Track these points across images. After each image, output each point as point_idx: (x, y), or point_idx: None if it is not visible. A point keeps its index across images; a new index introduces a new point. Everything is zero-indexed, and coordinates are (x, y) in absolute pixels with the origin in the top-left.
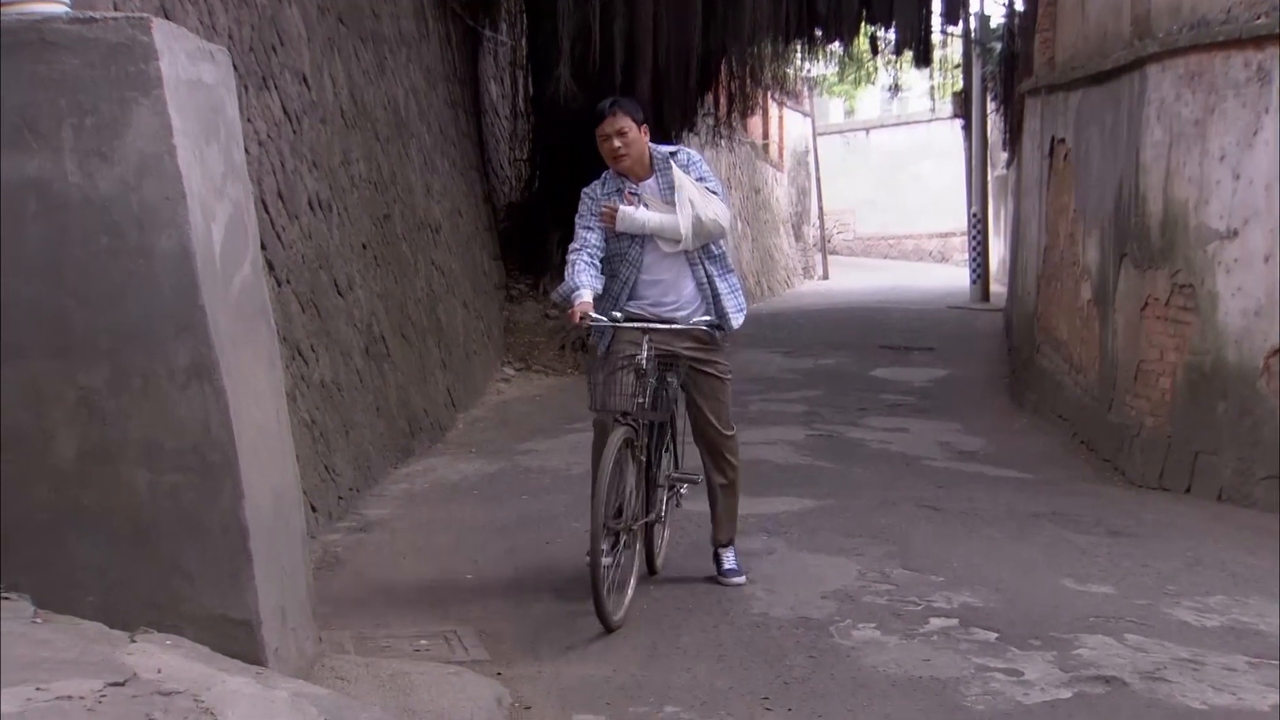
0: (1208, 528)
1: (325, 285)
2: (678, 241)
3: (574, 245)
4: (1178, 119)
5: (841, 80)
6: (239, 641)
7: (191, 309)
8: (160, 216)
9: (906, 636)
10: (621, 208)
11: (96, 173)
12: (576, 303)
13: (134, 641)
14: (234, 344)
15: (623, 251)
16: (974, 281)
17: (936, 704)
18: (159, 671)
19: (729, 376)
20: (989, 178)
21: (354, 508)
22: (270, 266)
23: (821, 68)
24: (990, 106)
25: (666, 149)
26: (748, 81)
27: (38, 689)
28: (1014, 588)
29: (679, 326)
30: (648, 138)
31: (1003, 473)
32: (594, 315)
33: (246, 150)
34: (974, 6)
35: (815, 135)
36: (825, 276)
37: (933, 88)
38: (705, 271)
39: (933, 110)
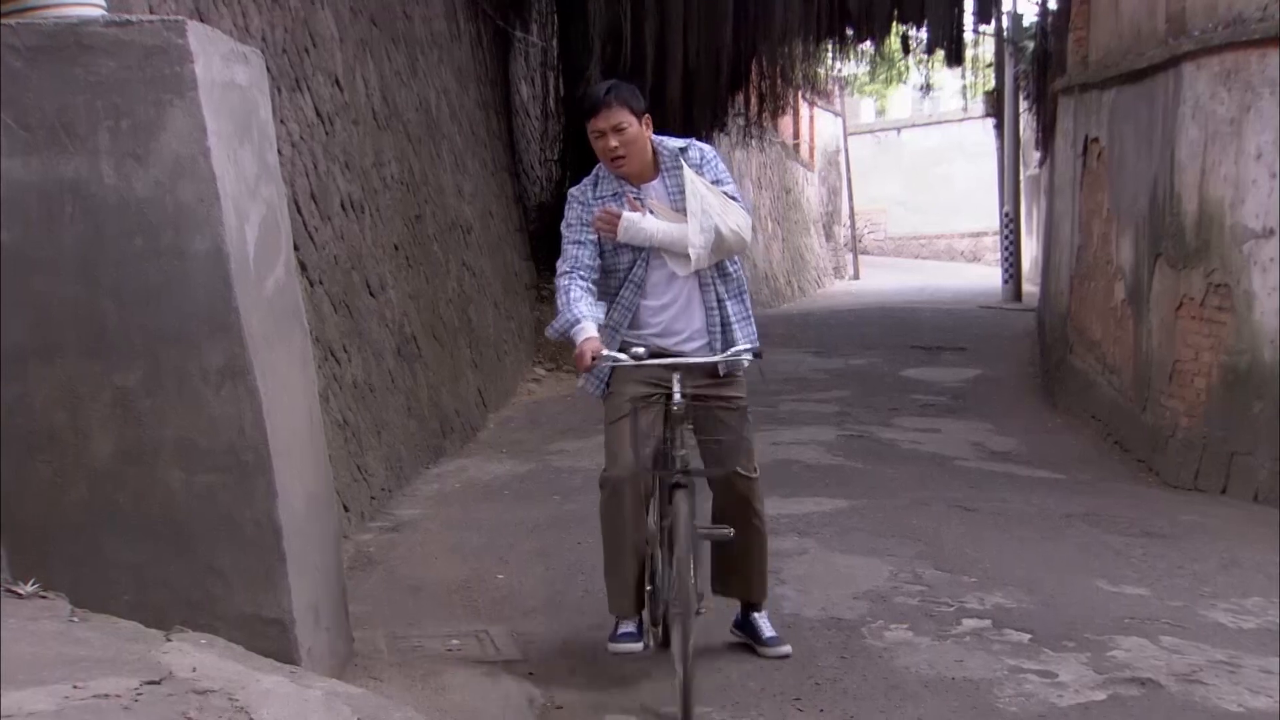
0: (1244, 529)
1: (357, 286)
2: (688, 259)
3: (563, 265)
4: (1213, 117)
5: (873, 80)
6: (273, 641)
7: (225, 310)
8: (195, 218)
9: (939, 637)
10: (626, 214)
11: (132, 174)
12: (581, 340)
13: (169, 640)
14: (267, 344)
15: (622, 269)
16: (1006, 281)
17: (969, 705)
18: (194, 670)
19: (748, 409)
20: (1021, 177)
21: (386, 508)
22: (303, 267)
23: (853, 67)
24: (1023, 105)
25: (675, 143)
26: (778, 81)
27: (75, 687)
28: (1047, 589)
29: (712, 358)
30: (650, 131)
31: (1036, 473)
32: (608, 354)
33: (279, 152)
34: (1006, 5)
35: (846, 135)
36: (856, 276)
37: (965, 87)
38: (717, 295)
39: (965, 109)
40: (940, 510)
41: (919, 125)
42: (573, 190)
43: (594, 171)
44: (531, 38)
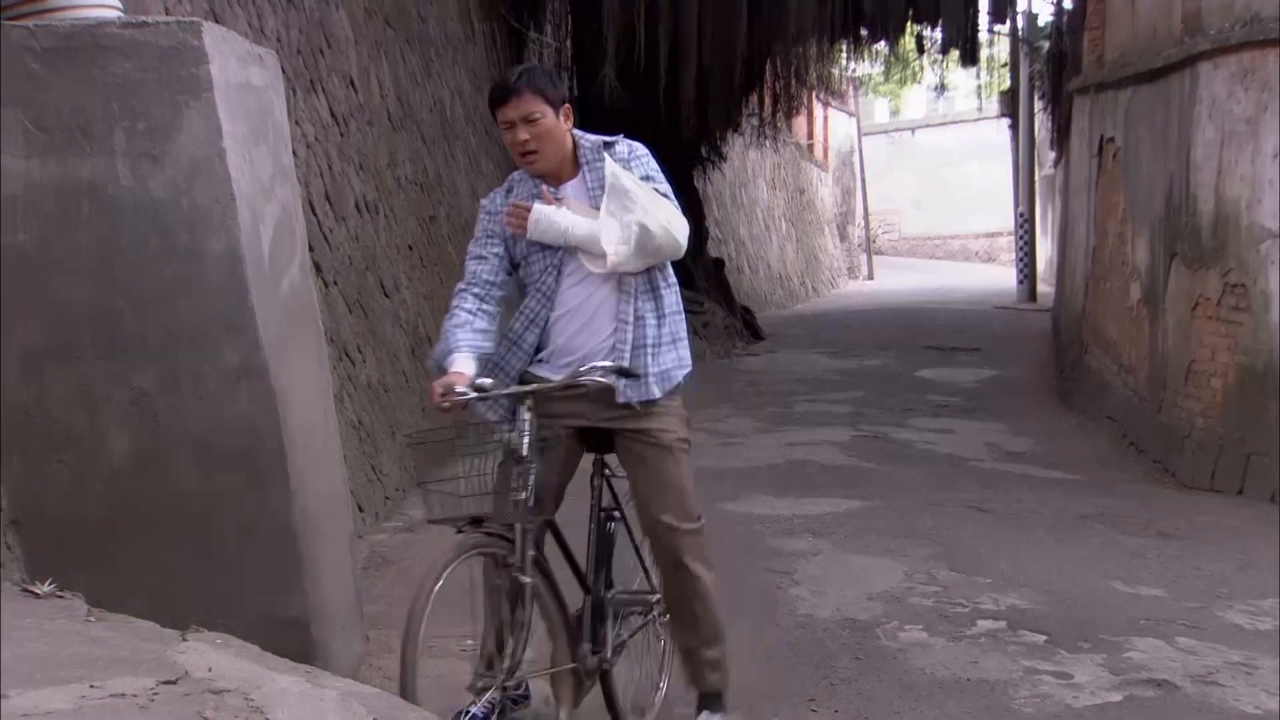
0: (1260, 529)
1: (372, 286)
2: (605, 258)
3: (459, 284)
4: (1229, 117)
5: (887, 80)
6: (288, 640)
7: (241, 310)
8: (210, 219)
9: (954, 638)
10: (537, 206)
11: (148, 176)
12: (444, 375)
13: (185, 640)
14: (283, 345)
15: (534, 277)
16: (1021, 282)
17: (984, 707)
18: (210, 670)
19: (680, 445)
20: (1036, 177)
21: (400, 508)
22: (318, 268)
23: (867, 67)
24: (1038, 105)
25: (597, 138)
26: (792, 81)
27: (92, 686)
28: (1063, 590)
29: (557, 381)
30: (571, 125)
31: (1051, 474)
32: (460, 390)
33: (294, 153)
34: (1021, 5)
35: (860, 135)
36: (870, 277)
37: (979, 87)
38: (636, 309)
39: (979, 109)
40: (955, 511)
41: (933, 125)
42: (482, 200)
43: (508, 179)
44: (545, 38)
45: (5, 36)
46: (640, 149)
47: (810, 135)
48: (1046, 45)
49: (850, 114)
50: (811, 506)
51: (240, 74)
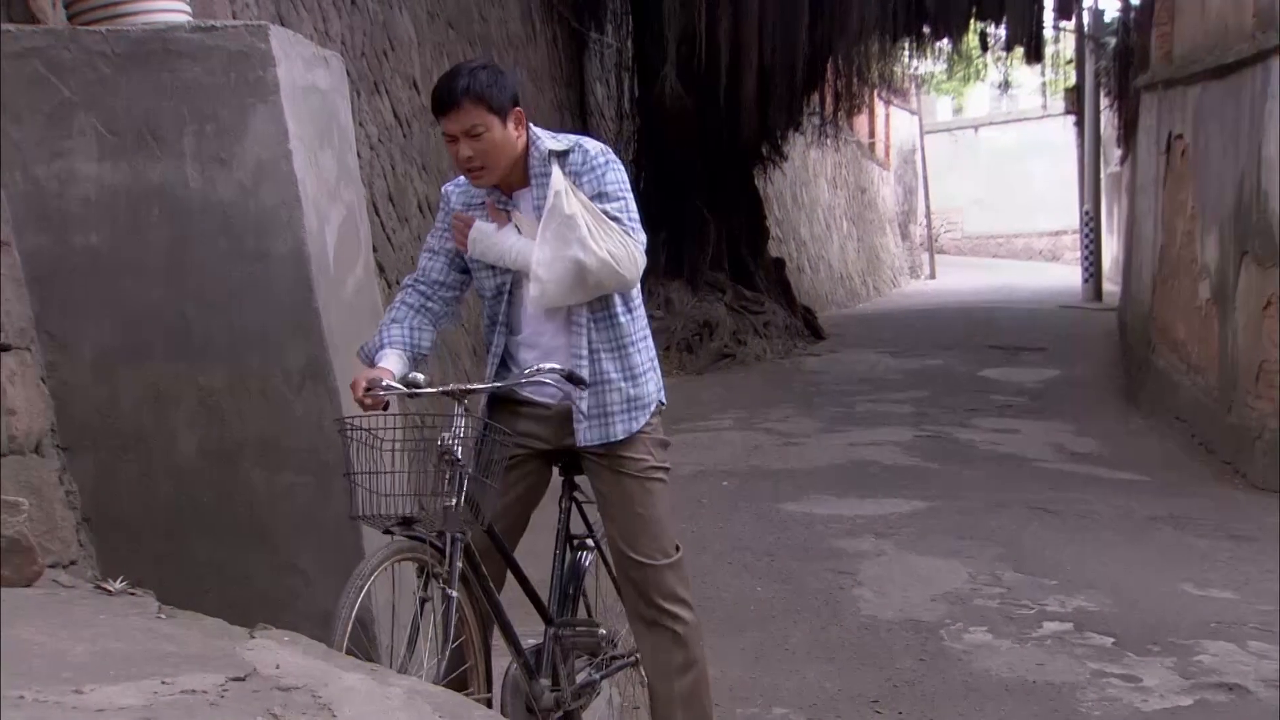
0: None
1: None
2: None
3: (408, 276)
4: None
5: (950, 77)
6: (353, 638)
7: (306, 311)
8: (276, 220)
9: (1019, 640)
10: (478, 224)
11: (216, 178)
12: (370, 370)
13: (253, 638)
14: (347, 345)
15: (487, 296)
16: (1086, 281)
17: (1051, 710)
18: (277, 667)
19: (655, 475)
20: (1102, 175)
21: None
22: (381, 269)
23: (930, 65)
24: (1103, 102)
25: (554, 144)
26: (854, 80)
27: (163, 683)
28: (1131, 592)
29: (496, 384)
30: (523, 132)
31: (1117, 475)
32: (386, 384)
33: (358, 154)
34: (1087, 1)
35: (922, 133)
36: (932, 276)
37: (1044, 84)
38: (590, 344)
39: (1044, 107)
40: (1020, 512)
41: (997, 123)
42: (445, 185)
43: None
44: (606, 39)
45: (80, 41)
46: (597, 156)
47: (872, 134)
48: (1113, 41)
49: (912, 112)
50: (874, 507)
51: (306, 77)
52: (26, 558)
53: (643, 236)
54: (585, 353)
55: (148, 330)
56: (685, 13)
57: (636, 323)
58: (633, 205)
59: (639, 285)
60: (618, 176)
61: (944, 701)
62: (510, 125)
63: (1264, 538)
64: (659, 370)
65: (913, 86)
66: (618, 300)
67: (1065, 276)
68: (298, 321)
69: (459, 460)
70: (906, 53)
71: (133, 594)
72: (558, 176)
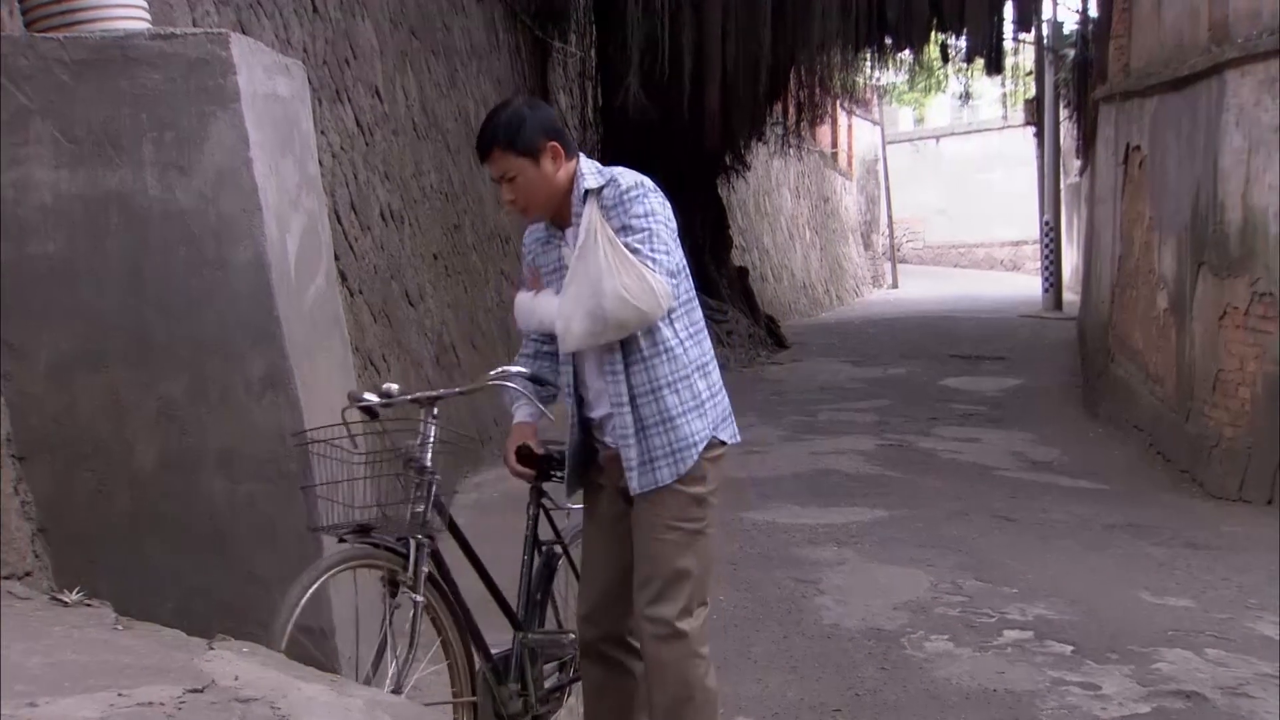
0: None
1: (397, 295)
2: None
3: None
4: (1257, 125)
5: (911, 88)
6: (313, 649)
7: (267, 319)
8: (237, 228)
9: (980, 649)
10: (518, 297)
11: (176, 186)
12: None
13: (212, 648)
14: (308, 354)
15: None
16: (1046, 290)
17: (1011, 717)
18: (236, 678)
19: (681, 527)
20: (1061, 185)
21: None
22: (343, 277)
23: (891, 76)
24: (1063, 113)
25: (595, 178)
26: (817, 90)
27: (120, 695)
28: (1090, 600)
29: (469, 387)
30: (562, 165)
31: (1077, 483)
32: (362, 397)
33: (320, 162)
34: (1046, 13)
35: (885, 143)
36: (895, 285)
37: (1004, 95)
38: (630, 387)
39: (1004, 117)
40: (981, 520)
41: (958, 134)
42: (524, 236)
43: None
44: (570, 48)
45: (37, 48)
46: (631, 189)
47: (834, 144)
48: (1072, 53)
49: (874, 122)
50: (836, 515)
51: (267, 84)
52: None
53: (668, 264)
54: (626, 399)
55: (106, 338)
56: (648, 22)
57: (689, 353)
58: (660, 234)
59: (695, 305)
60: (645, 208)
61: (906, 710)
62: (546, 162)
63: (1221, 546)
64: (720, 395)
65: (875, 97)
66: (664, 329)
67: (1026, 286)
68: (258, 330)
69: (427, 468)
70: (868, 63)
71: (89, 605)
72: (590, 215)
